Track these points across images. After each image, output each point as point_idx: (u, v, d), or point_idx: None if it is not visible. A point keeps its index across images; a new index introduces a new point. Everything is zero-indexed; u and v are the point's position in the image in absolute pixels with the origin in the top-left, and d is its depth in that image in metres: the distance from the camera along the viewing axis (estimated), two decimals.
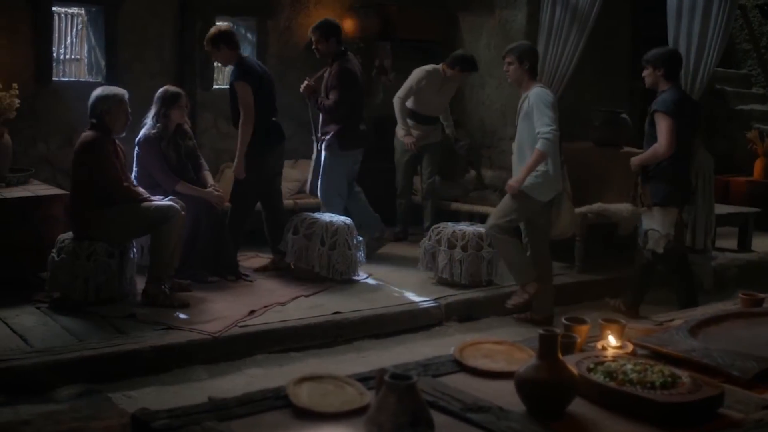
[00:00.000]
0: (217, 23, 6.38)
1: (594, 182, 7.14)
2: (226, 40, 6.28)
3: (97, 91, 5.54)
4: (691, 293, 6.06)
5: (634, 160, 5.93)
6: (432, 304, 5.91)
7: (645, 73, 5.90)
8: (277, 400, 2.51)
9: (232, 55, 6.30)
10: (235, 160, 6.28)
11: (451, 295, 6.04)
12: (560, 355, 2.46)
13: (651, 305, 6.13)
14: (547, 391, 2.42)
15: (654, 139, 5.74)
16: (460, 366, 2.86)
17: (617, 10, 8.31)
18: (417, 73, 7.54)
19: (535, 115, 5.59)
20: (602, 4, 7.04)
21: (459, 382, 2.71)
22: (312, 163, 6.94)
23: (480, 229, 6.27)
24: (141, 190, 5.62)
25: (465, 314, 5.96)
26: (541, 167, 5.65)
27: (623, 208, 6.84)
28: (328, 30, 6.61)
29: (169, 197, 5.63)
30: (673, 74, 5.81)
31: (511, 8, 8.23)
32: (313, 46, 6.69)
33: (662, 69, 5.77)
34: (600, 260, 6.83)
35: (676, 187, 5.82)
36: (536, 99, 5.64)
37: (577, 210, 6.77)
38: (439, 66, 7.53)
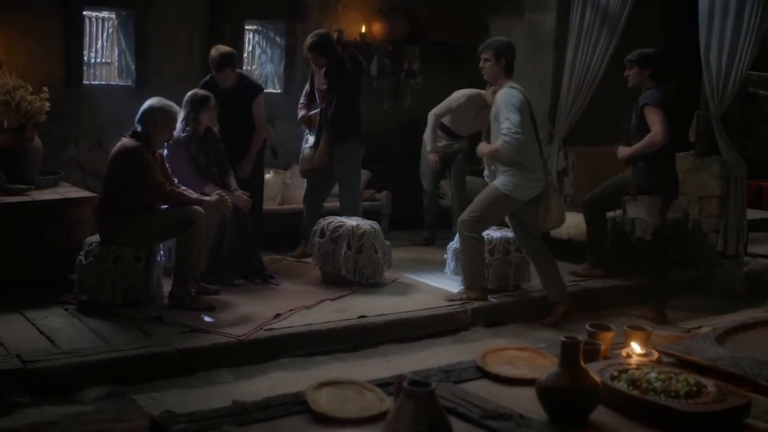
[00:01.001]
0: (218, 45, 6.51)
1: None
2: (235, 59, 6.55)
3: (153, 100, 5.47)
4: (664, 282, 6.14)
5: (624, 151, 6.04)
6: (458, 308, 5.87)
7: (630, 72, 6.04)
8: (296, 405, 2.51)
9: (236, 74, 6.57)
10: (247, 162, 6.53)
11: (477, 300, 6.00)
12: (583, 363, 2.43)
13: (680, 312, 6.06)
14: (569, 398, 2.40)
15: (641, 131, 5.93)
16: (482, 372, 2.84)
17: (648, 12, 8.23)
18: (457, 96, 7.39)
19: (500, 117, 5.55)
20: (633, 7, 6.99)
21: (480, 388, 2.69)
22: (304, 146, 6.99)
23: (508, 234, 6.21)
24: (186, 190, 5.62)
25: (491, 319, 5.91)
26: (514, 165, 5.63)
27: None
28: (324, 45, 6.67)
29: (217, 192, 5.68)
30: (658, 74, 5.99)
31: (540, 11, 8.18)
32: (312, 62, 6.80)
33: (650, 69, 5.98)
34: (628, 265, 6.73)
35: (662, 178, 5.97)
36: (501, 101, 5.58)
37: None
38: (482, 92, 7.28)
